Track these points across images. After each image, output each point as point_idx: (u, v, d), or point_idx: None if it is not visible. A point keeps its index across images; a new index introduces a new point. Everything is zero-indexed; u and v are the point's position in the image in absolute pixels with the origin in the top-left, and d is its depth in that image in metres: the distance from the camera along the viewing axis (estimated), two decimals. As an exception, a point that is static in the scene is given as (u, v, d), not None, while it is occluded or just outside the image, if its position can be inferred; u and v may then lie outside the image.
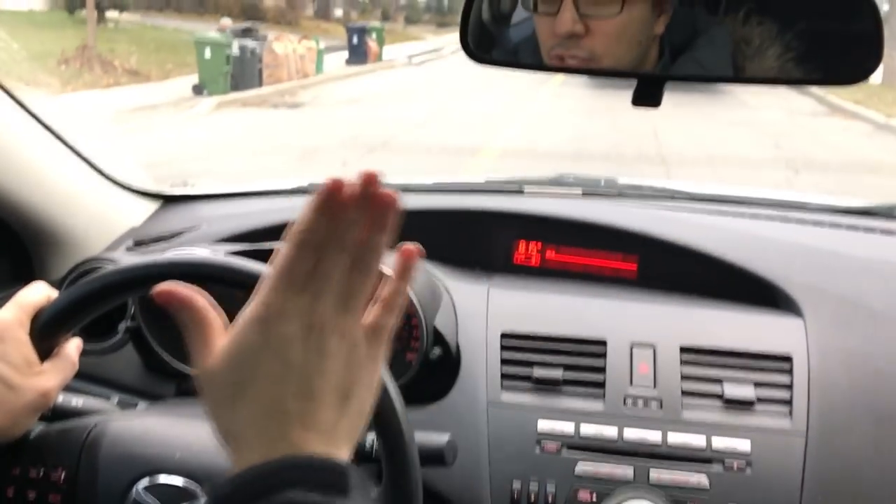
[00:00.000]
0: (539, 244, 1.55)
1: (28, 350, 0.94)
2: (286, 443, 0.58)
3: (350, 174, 0.61)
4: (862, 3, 0.78)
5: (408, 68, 19.52)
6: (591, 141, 9.17)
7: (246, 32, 14.14)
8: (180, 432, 1.04)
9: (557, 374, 1.27)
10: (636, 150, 8.74)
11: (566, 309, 1.40)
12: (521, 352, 1.31)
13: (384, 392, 0.94)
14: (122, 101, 11.42)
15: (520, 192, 1.67)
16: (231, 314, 1.42)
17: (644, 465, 1.18)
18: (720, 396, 1.23)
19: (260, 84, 13.79)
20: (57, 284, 1.26)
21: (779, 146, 9.34)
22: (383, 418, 0.94)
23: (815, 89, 14.42)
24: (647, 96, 0.85)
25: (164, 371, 1.40)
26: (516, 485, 1.19)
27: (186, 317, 0.66)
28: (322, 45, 16.46)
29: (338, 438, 0.60)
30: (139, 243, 1.60)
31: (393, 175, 1.91)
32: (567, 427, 1.22)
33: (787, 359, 1.26)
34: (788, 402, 1.22)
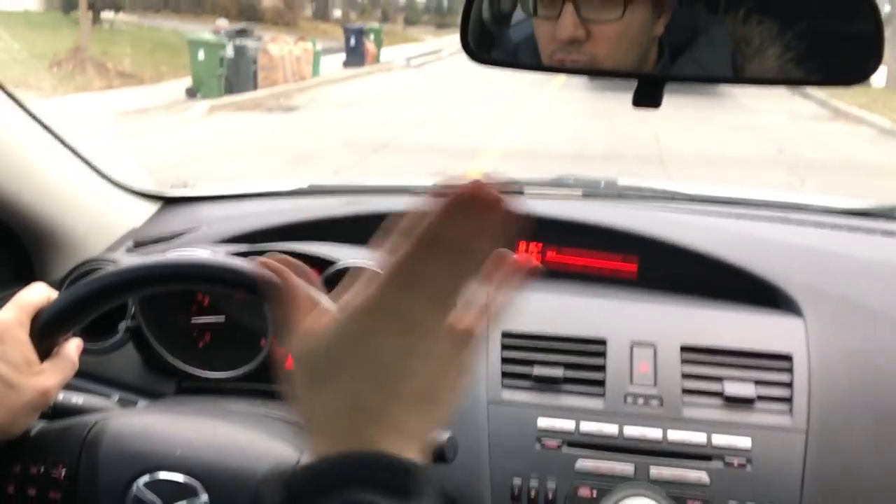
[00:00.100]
0: (540, 245, 1.55)
1: (28, 350, 0.95)
2: (360, 438, 0.58)
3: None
4: (862, 3, 0.78)
5: (406, 70, 19.38)
6: (591, 144, 9.15)
7: (240, 33, 13.90)
8: (181, 429, 1.04)
9: (558, 372, 1.27)
10: (637, 156, 8.70)
11: (566, 309, 1.40)
12: (522, 351, 1.31)
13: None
14: (114, 105, 11.22)
15: (520, 193, 1.67)
16: (231, 316, 1.43)
17: (644, 462, 1.18)
18: (720, 394, 1.23)
19: (255, 87, 13.57)
20: (57, 285, 1.26)
21: (782, 151, 9.26)
22: None
23: (817, 93, 14.33)
24: (648, 97, 0.85)
25: (164, 370, 1.40)
26: (517, 481, 1.19)
27: (280, 294, 0.66)
28: (319, 46, 16.29)
29: (412, 440, 0.59)
30: (139, 244, 1.60)
31: (390, 177, 1.92)
32: (567, 424, 1.22)
33: (788, 358, 1.26)
34: (789, 401, 1.22)
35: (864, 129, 11.67)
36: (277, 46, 14.65)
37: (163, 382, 1.41)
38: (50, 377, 0.96)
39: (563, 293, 1.45)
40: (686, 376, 1.25)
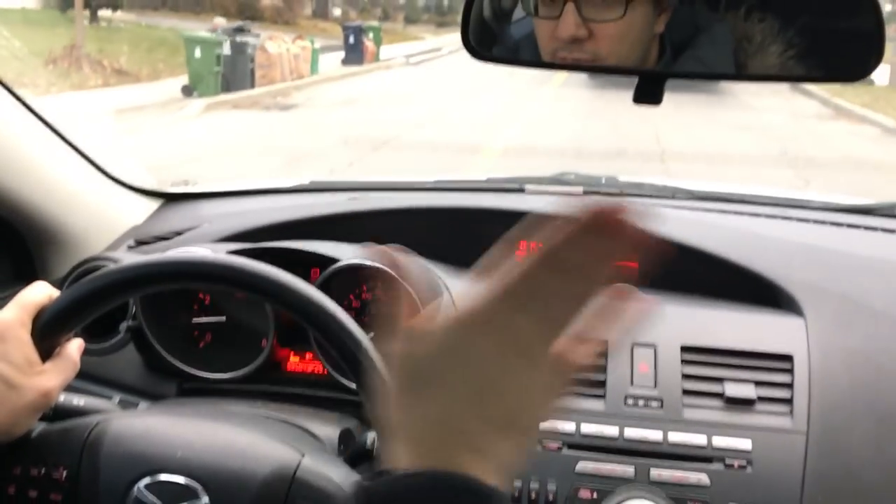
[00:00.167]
0: (540, 244, 1.55)
1: (29, 350, 0.94)
2: (445, 455, 0.56)
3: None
4: (863, 0, 0.78)
5: (405, 68, 19.26)
6: (591, 143, 9.11)
7: (238, 31, 13.57)
8: (182, 431, 1.04)
9: None
10: (638, 154, 8.64)
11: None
12: None
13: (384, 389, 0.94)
14: (109, 103, 10.97)
15: (521, 190, 1.67)
16: (232, 316, 1.43)
17: (645, 464, 1.18)
18: (721, 396, 1.23)
19: (252, 85, 13.35)
20: (58, 284, 1.26)
21: (785, 151, 9.12)
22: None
23: (819, 91, 14.24)
24: (648, 94, 0.85)
25: (166, 370, 1.40)
26: (517, 483, 1.19)
27: (391, 289, 0.63)
28: (318, 44, 16.13)
29: (497, 465, 0.57)
30: (140, 242, 1.60)
31: (390, 175, 1.92)
32: (567, 426, 1.21)
33: (788, 358, 1.26)
34: (789, 402, 1.22)
35: (867, 128, 11.51)
36: (275, 44, 14.46)
37: (164, 384, 1.41)
38: (52, 378, 0.96)
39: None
40: (686, 377, 1.25)
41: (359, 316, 1.37)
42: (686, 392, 1.24)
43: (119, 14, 21.02)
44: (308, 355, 1.41)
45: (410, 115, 11.13)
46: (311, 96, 13.61)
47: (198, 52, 12.47)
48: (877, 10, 0.78)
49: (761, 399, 1.22)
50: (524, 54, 0.90)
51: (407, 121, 10.62)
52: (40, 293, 0.98)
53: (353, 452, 1.11)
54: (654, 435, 1.20)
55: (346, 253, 1.36)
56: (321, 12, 33.59)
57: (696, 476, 1.16)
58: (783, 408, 1.21)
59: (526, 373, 0.57)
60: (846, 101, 13.25)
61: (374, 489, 0.56)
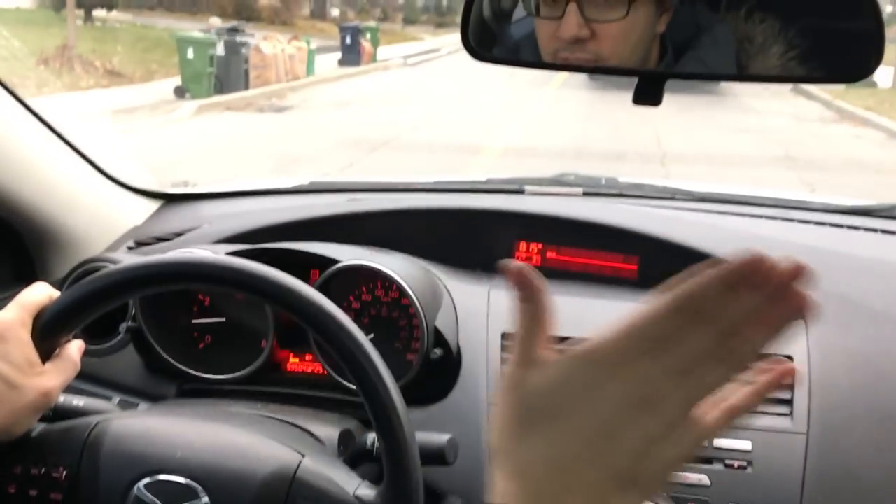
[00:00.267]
0: (540, 245, 1.55)
1: (30, 350, 0.95)
2: (553, 499, 0.53)
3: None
4: (863, 1, 0.78)
5: (403, 69, 19.14)
6: (591, 146, 9.07)
7: (231, 31, 13.24)
8: (181, 431, 1.04)
9: None
10: (639, 156, 8.61)
11: (567, 309, 1.39)
12: None
13: (384, 391, 0.94)
14: (99, 104, 10.75)
15: (520, 191, 1.67)
16: (231, 317, 1.43)
17: None
18: None
19: (246, 86, 13.08)
20: (58, 285, 1.26)
21: (790, 157, 8.94)
22: (384, 418, 0.94)
23: (821, 93, 14.09)
24: (648, 95, 0.85)
25: (165, 371, 1.40)
26: None
27: (529, 309, 0.58)
28: (314, 45, 15.93)
29: None
30: (140, 243, 1.60)
31: (388, 175, 1.92)
32: None
33: (788, 358, 1.25)
34: (789, 402, 1.22)
35: (871, 132, 11.29)
36: (270, 45, 14.24)
37: (163, 385, 1.41)
38: (52, 378, 0.96)
39: (563, 294, 1.45)
40: None
41: (358, 317, 1.37)
42: None
43: (114, 14, 20.74)
44: (308, 356, 1.41)
45: (407, 117, 11.05)
46: (306, 98, 13.44)
47: (190, 53, 12.15)
48: (877, 10, 0.78)
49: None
50: (524, 55, 0.90)
51: (404, 122, 10.53)
52: (41, 294, 0.98)
53: (353, 453, 1.11)
54: None
55: (347, 254, 1.36)
56: (319, 12, 33.49)
57: (696, 476, 1.16)
58: (783, 408, 1.21)
59: (654, 427, 0.52)
60: (849, 104, 13.04)
61: None
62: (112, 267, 1.00)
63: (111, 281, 0.97)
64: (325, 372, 1.35)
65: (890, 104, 12.77)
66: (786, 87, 14.33)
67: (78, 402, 1.11)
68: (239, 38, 13.08)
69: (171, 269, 0.99)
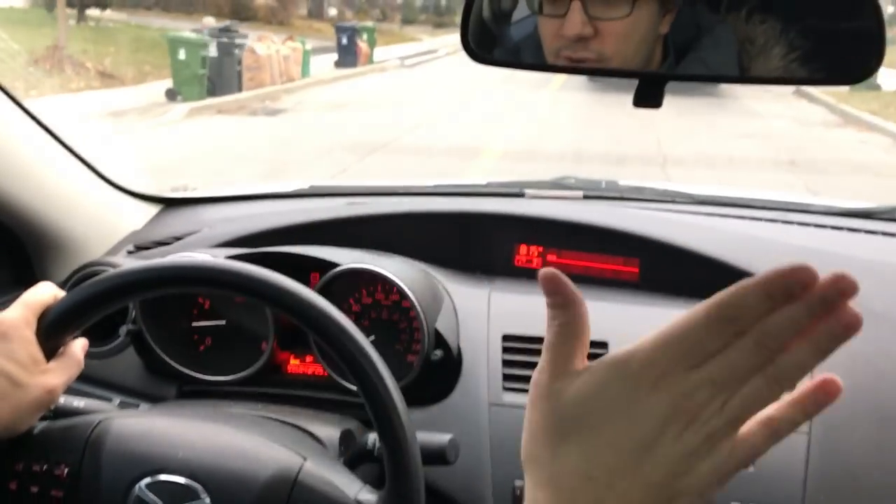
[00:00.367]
0: (540, 248, 1.55)
1: (34, 349, 0.96)
2: None
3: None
4: (864, 1, 0.78)
5: (400, 71, 18.88)
6: (590, 149, 9.05)
7: (224, 32, 12.86)
8: (183, 431, 1.04)
9: None
10: (640, 160, 8.58)
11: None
12: (523, 353, 1.31)
13: (385, 392, 0.94)
14: (90, 107, 10.43)
15: (521, 194, 1.67)
16: (231, 319, 1.43)
17: None
18: None
19: (239, 88, 12.72)
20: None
21: (795, 163, 8.77)
22: (384, 418, 0.94)
23: (824, 97, 13.98)
24: (648, 97, 0.85)
25: (165, 373, 1.40)
26: (518, 483, 1.19)
27: (563, 316, 0.56)
28: (310, 45, 15.57)
29: None
30: (140, 247, 1.60)
31: (383, 179, 1.92)
32: None
33: None
34: None
35: (878, 137, 11.01)
36: (264, 45, 13.86)
37: (164, 386, 1.41)
38: (56, 376, 0.97)
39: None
40: None
41: (359, 320, 1.37)
42: None
43: (108, 13, 20.19)
44: (308, 358, 1.41)
45: (403, 120, 10.92)
46: (300, 100, 13.11)
47: (182, 54, 11.74)
48: (877, 11, 0.78)
49: None
50: (525, 56, 0.89)
51: (399, 125, 10.40)
52: (46, 293, 0.99)
53: (353, 454, 1.11)
54: None
55: (347, 258, 1.36)
56: (317, 12, 33.26)
57: None
58: None
59: (694, 441, 0.51)
60: (853, 108, 12.74)
61: None
62: (115, 270, 1.00)
63: (115, 283, 0.97)
64: (326, 373, 1.35)
65: (895, 108, 12.49)
66: (788, 90, 14.24)
67: (78, 403, 1.11)
68: (232, 39, 12.76)
69: (173, 273, 0.99)
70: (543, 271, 0.56)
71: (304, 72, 15.19)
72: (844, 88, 13.43)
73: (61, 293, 1.00)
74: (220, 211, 1.77)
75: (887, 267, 1.44)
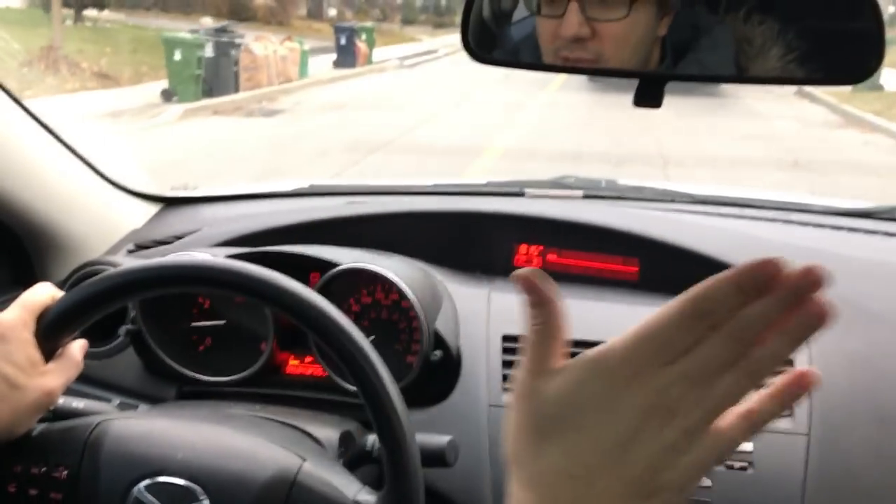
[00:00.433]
0: (540, 247, 1.55)
1: (32, 350, 0.95)
2: None
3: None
4: (863, 1, 0.78)
5: (399, 71, 18.73)
6: (590, 151, 9.02)
7: (221, 32, 12.64)
8: (182, 433, 1.04)
9: None
10: (639, 164, 8.55)
11: (567, 311, 1.39)
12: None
13: (385, 393, 0.94)
14: (84, 107, 10.30)
15: (521, 194, 1.67)
16: (231, 319, 1.43)
17: None
18: None
19: (236, 89, 12.55)
20: (58, 288, 1.26)
21: (798, 164, 8.64)
22: (384, 419, 0.94)
23: (826, 97, 13.88)
24: (649, 97, 0.85)
25: (165, 374, 1.40)
26: None
27: (540, 316, 0.57)
28: (309, 45, 15.40)
29: None
30: (140, 246, 1.60)
31: (384, 178, 1.91)
32: None
33: (788, 360, 1.25)
34: None
35: (881, 138, 10.86)
36: (261, 46, 13.68)
37: (163, 387, 1.41)
38: (55, 378, 0.97)
39: (563, 296, 1.45)
40: None
41: (358, 320, 1.37)
42: None
43: (106, 13, 19.94)
44: (308, 358, 1.41)
45: (402, 120, 10.82)
46: (298, 101, 12.94)
47: (178, 54, 11.58)
48: (877, 11, 0.78)
49: None
50: (524, 56, 0.89)
51: (397, 126, 10.31)
52: (44, 294, 0.99)
53: (353, 455, 1.11)
54: None
55: (346, 257, 1.36)
56: (316, 12, 33.15)
57: None
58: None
59: (672, 436, 0.51)
60: (855, 108, 12.57)
61: None
62: (114, 269, 1.00)
63: (114, 283, 0.97)
64: (326, 374, 1.35)
65: (898, 109, 12.32)
66: (789, 90, 14.18)
67: (77, 403, 1.11)
68: (228, 39, 12.57)
69: (172, 273, 0.99)
70: (517, 272, 0.56)
71: (302, 72, 15.06)
72: (847, 89, 13.33)
73: (59, 294, 1.00)
74: (221, 210, 1.77)
75: (887, 267, 1.44)
